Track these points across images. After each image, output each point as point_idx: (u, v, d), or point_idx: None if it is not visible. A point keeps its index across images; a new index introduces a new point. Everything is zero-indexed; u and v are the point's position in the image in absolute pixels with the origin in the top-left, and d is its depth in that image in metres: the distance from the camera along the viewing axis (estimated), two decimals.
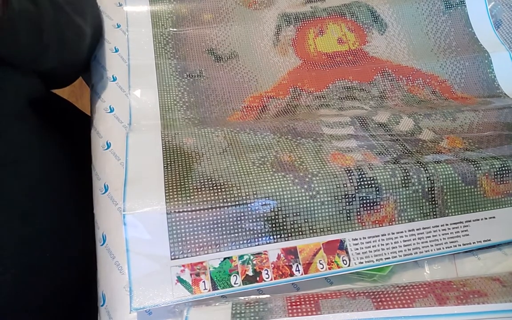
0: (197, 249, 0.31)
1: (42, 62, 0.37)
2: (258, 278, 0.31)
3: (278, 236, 0.33)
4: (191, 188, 0.32)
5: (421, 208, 0.35)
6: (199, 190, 0.32)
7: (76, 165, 0.43)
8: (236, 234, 0.32)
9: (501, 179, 0.37)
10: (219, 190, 0.32)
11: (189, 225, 0.31)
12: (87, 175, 0.39)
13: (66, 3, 0.39)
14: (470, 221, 0.36)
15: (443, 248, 0.34)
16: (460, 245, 0.35)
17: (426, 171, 0.35)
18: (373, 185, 0.34)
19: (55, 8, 0.37)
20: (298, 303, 0.29)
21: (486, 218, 0.36)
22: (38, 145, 0.38)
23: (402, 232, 0.34)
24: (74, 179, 0.42)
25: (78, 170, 0.42)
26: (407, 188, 0.35)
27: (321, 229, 0.33)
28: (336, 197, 0.33)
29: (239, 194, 0.32)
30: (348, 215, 0.34)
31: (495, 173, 0.37)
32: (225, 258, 0.32)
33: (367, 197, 0.34)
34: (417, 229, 0.35)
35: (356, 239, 0.34)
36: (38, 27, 0.34)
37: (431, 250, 0.34)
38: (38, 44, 0.35)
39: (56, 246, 0.38)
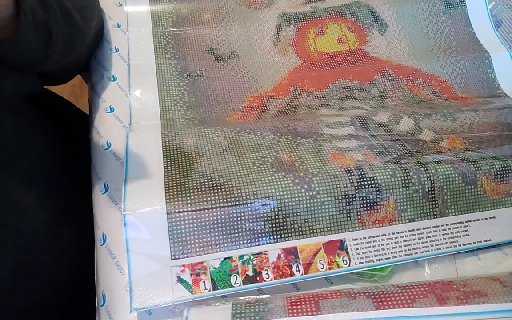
0: (197, 249, 0.31)
1: (43, 66, 0.37)
2: (258, 278, 0.31)
3: (278, 236, 0.33)
4: (191, 188, 0.32)
5: (421, 208, 0.35)
6: (199, 190, 0.32)
7: (75, 164, 0.43)
8: (236, 234, 0.32)
9: (501, 179, 0.37)
10: (219, 190, 0.32)
11: (189, 225, 0.31)
12: (87, 175, 0.39)
13: (75, 9, 0.39)
14: (470, 221, 0.36)
15: (443, 248, 0.34)
16: (460, 245, 0.35)
17: (427, 171, 0.35)
18: (373, 185, 0.34)
19: (66, 18, 0.37)
20: (298, 303, 0.29)
21: (486, 218, 0.36)
22: (35, 142, 0.38)
23: (402, 232, 0.34)
24: (73, 178, 0.42)
25: (78, 169, 0.42)
26: (407, 188, 0.35)
27: (321, 229, 0.33)
28: (336, 197, 0.33)
29: (239, 194, 0.32)
30: (348, 215, 0.34)
31: (495, 173, 0.37)
32: (225, 258, 0.32)
33: (367, 197, 0.34)
34: (417, 229, 0.35)
35: (356, 239, 0.34)
36: (47, 33, 0.34)
37: (431, 250, 0.34)
38: (44, 50, 0.35)
39: (53, 242, 0.38)
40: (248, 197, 0.32)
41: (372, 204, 0.34)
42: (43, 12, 0.34)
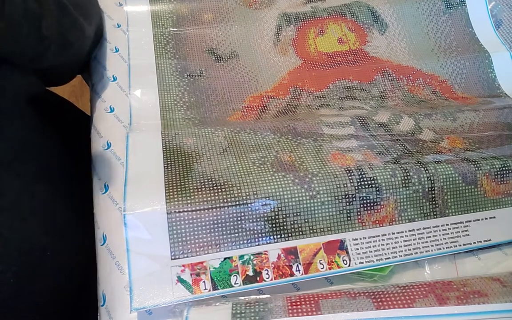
0: (197, 249, 0.31)
1: (42, 61, 0.37)
2: (258, 278, 0.31)
3: (278, 236, 0.33)
4: (191, 188, 0.32)
5: (421, 208, 0.35)
6: (199, 190, 0.32)
7: (76, 164, 0.43)
8: (237, 234, 0.32)
9: (502, 179, 0.37)
10: (219, 190, 0.32)
11: (189, 225, 0.31)
12: (87, 175, 0.39)
13: (73, 5, 0.39)
14: (470, 221, 0.36)
15: (443, 248, 0.34)
16: (460, 245, 0.35)
17: (427, 171, 0.35)
18: (373, 185, 0.34)
19: (60, 10, 0.37)
20: (298, 303, 0.29)
21: (486, 218, 0.36)
22: (37, 144, 0.38)
23: (402, 232, 0.34)
24: (74, 179, 0.42)
25: (78, 170, 0.42)
26: (407, 188, 0.35)
27: (322, 229, 0.33)
28: (336, 197, 0.33)
29: (239, 194, 0.32)
30: (348, 215, 0.34)
31: (496, 173, 0.37)
32: (225, 258, 0.32)
33: (368, 197, 0.34)
34: (417, 229, 0.35)
35: (357, 239, 0.34)
36: (39, 26, 0.34)
37: (432, 250, 0.34)
38: (39, 43, 0.35)
39: (56, 245, 0.38)
40: (248, 197, 0.32)
41: (372, 204, 0.34)
42: (35, 3, 0.34)
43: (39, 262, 0.36)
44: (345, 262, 0.33)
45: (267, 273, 0.32)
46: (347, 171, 0.34)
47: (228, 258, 0.32)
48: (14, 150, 0.35)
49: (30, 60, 0.37)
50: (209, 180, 0.33)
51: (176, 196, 0.32)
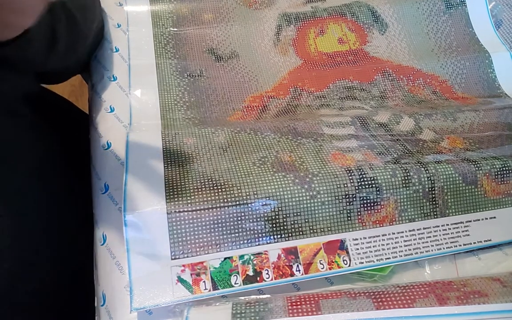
0: (198, 249, 0.31)
1: (46, 66, 0.37)
2: (258, 278, 0.31)
3: (279, 236, 0.33)
4: (191, 188, 0.32)
5: (421, 208, 0.35)
6: (200, 190, 0.32)
7: (75, 164, 0.43)
8: (237, 234, 0.32)
9: (502, 179, 0.37)
10: (220, 190, 0.32)
11: (190, 225, 0.31)
12: (87, 175, 0.39)
13: (77, 10, 0.39)
14: (470, 221, 0.36)
15: (443, 248, 0.34)
16: (460, 245, 0.35)
17: (427, 171, 0.35)
18: (373, 185, 0.34)
19: (68, 19, 0.37)
20: (298, 303, 0.29)
21: (486, 218, 0.36)
22: (36, 144, 0.38)
23: (402, 232, 0.34)
24: (73, 179, 0.42)
25: (77, 170, 0.42)
26: (407, 188, 0.35)
27: (322, 229, 0.33)
28: (336, 197, 0.33)
29: (240, 194, 0.32)
30: (348, 215, 0.34)
31: (496, 173, 0.37)
32: (225, 258, 0.32)
33: (368, 197, 0.34)
34: (417, 229, 0.35)
35: (357, 239, 0.34)
36: (52, 35, 0.34)
37: (432, 250, 0.34)
38: (48, 51, 0.35)
39: (50, 243, 0.37)
40: (248, 197, 0.32)
41: (372, 204, 0.34)
42: (48, 14, 0.34)
43: (34, 261, 0.36)
44: (345, 262, 0.33)
45: (267, 273, 0.32)
46: (348, 171, 0.34)
47: (228, 258, 0.32)
48: (12, 149, 0.35)
49: (36, 65, 0.37)
50: (209, 180, 0.33)
51: (176, 196, 0.32)
